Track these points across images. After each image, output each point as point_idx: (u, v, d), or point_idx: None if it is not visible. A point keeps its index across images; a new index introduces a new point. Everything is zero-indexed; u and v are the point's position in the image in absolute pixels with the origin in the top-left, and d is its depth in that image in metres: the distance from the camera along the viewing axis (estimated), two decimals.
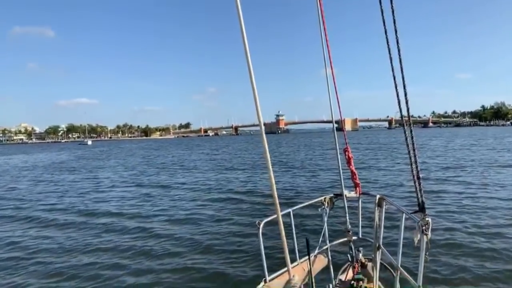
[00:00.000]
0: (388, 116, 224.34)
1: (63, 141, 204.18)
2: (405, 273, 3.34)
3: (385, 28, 2.77)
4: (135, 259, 8.65)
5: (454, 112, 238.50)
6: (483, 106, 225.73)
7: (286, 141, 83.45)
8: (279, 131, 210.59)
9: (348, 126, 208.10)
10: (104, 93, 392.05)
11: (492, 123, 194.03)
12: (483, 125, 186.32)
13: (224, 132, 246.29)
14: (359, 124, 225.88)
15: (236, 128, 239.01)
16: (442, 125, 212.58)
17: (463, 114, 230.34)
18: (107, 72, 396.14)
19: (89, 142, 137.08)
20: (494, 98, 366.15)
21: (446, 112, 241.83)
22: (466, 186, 16.25)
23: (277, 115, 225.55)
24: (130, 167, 34.67)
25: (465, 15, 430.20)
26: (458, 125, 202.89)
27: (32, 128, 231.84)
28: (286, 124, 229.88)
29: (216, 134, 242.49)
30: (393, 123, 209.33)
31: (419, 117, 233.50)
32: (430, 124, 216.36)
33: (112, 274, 7.86)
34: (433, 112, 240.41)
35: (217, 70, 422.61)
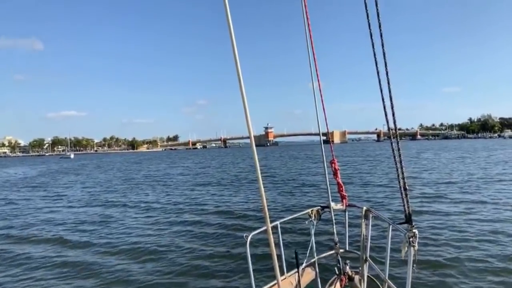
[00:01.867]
0: (376, 129, 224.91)
1: (47, 154, 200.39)
2: (393, 285, 3.31)
3: (372, 40, 2.77)
4: (106, 281, 8.02)
5: (441, 124, 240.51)
6: (470, 119, 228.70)
7: (274, 154, 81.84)
8: (268, 144, 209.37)
9: (337, 139, 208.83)
10: (93, 105, 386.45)
11: (479, 136, 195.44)
12: (471, 138, 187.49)
13: (214, 145, 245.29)
14: (348, 136, 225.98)
15: (224, 141, 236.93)
16: (430, 137, 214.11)
17: (451, 127, 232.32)
18: (97, 84, 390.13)
19: (72, 156, 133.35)
20: (480, 110, 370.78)
21: (433, 125, 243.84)
22: (456, 199, 15.87)
23: (266, 128, 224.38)
24: (101, 182, 32.25)
25: (450, 30, 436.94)
26: (446, 137, 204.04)
27: (16, 141, 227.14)
28: (275, 137, 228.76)
29: (204, 146, 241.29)
30: (382, 135, 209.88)
31: (407, 129, 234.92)
32: (418, 136, 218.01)
33: None
34: (421, 125, 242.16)
35: (208, 83, 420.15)
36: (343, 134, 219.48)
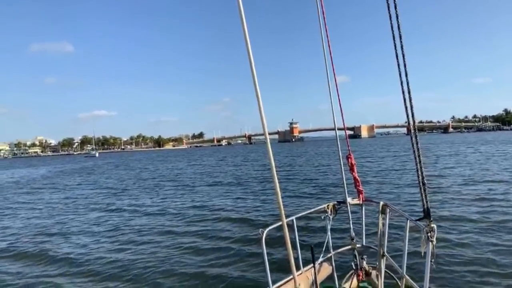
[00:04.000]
0: (406, 122, 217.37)
1: (75, 153, 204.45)
2: (411, 281, 3.30)
3: (393, 33, 2.76)
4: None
5: (474, 116, 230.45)
6: (505, 110, 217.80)
7: (297, 151, 79.31)
8: (293, 139, 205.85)
9: (364, 133, 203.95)
10: (123, 105, 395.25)
11: None
12: (507, 130, 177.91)
13: (239, 141, 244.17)
14: (376, 130, 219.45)
15: (249, 137, 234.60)
16: (463, 130, 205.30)
17: (485, 119, 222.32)
18: (126, 85, 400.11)
19: (97, 155, 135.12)
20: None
21: (466, 117, 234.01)
22: (483, 193, 14.96)
23: (291, 123, 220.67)
24: (115, 183, 30.35)
25: (476, 20, 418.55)
26: (480, 129, 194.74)
27: (46, 141, 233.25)
28: (300, 132, 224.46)
29: (229, 143, 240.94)
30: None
31: (438, 122, 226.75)
32: (451, 129, 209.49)
33: None
34: (453, 117, 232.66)
35: (233, 80, 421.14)
36: (371, 128, 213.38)
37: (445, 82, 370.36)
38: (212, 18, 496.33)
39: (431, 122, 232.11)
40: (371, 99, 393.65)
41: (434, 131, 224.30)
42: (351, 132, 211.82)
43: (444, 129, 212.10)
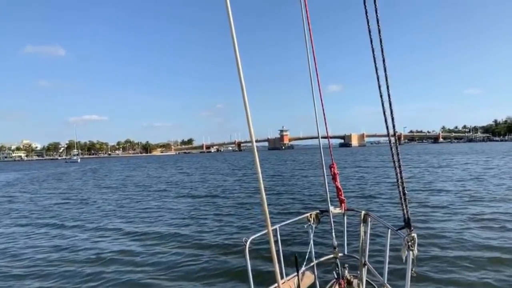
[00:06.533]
0: (397, 132, 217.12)
1: (59, 158, 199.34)
2: None
3: (372, 47, 2.76)
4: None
5: (464, 127, 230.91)
6: (495, 121, 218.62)
7: (284, 158, 76.94)
8: (283, 147, 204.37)
9: (354, 142, 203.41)
10: (115, 110, 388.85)
11: (507, 138, 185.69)
12: (497, 140, 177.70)
13: (229, 148, 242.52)
14: (366, 139, 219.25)
15: (239, 144, 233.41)
16: (453, 140, 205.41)
17: (475, 129, 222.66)
18: (119, 90, 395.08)
19: (78, 160, 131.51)
20: (504, 112, 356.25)
21: (456, 127, 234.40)
22: (462, 202, 15.20)
23: (281, 131, 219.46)
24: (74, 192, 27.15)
25: (466, 29, 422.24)
26: (470, 140, 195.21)
27: (30, 146, 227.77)
28: (290, 140, 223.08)
29: (219, 150, 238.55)
30: (402, 138, 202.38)
31: (428, 132, 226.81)
32: (441, 139, 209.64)
33: None
34: (443, 127, 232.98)
35: (226, 85, 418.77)
36: (361, 137, 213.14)
37: (436, 92, 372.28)
38: (209, 22, 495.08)
39: (421, 132, 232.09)
40: (364, 107, 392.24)
41: (424, 141, 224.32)
42: (342, 141, 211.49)
43: (434, 139, 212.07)
